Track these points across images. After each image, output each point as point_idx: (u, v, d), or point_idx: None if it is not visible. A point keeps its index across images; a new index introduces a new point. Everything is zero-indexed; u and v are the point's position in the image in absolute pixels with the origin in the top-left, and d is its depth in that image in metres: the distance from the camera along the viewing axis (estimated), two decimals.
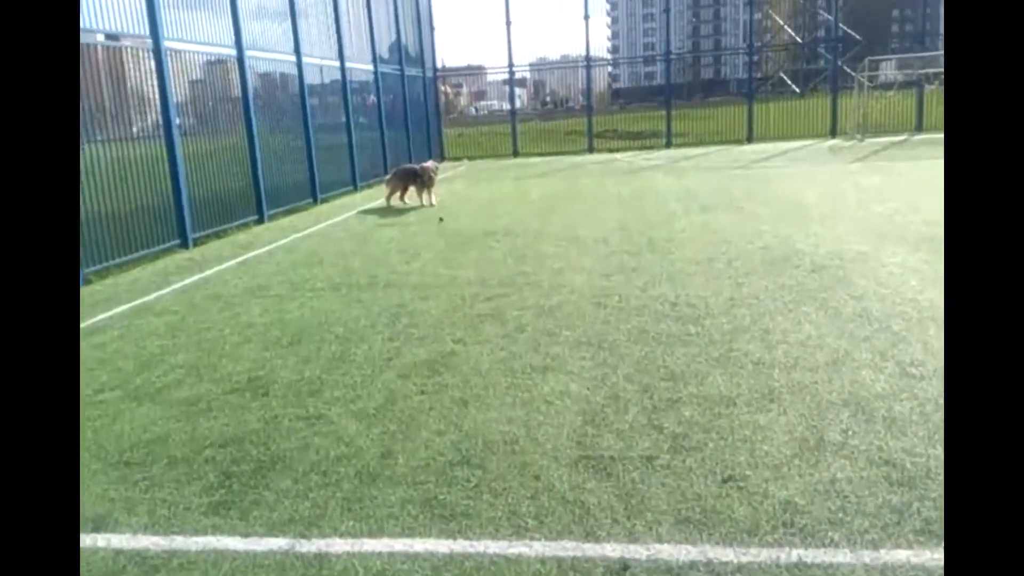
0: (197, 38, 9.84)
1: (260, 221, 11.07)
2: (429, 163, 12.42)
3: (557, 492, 2.88)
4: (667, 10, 21.16)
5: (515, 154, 22.40)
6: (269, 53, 11.88)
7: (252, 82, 11.08)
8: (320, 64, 13.87)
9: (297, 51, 12.70)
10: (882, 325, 4.63)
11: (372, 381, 4.23)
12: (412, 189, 11.89)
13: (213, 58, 10.52)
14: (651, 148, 22.02)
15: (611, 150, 22.26)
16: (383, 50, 17.52)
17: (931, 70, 19.77)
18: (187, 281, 7.26)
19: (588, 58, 21.89)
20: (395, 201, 11.91)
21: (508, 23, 21.53)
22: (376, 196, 13.91)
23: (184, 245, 9.17)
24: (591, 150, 22.06)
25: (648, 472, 2.98)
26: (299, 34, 12.70)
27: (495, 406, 3.77)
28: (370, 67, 16.54)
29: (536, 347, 4.65)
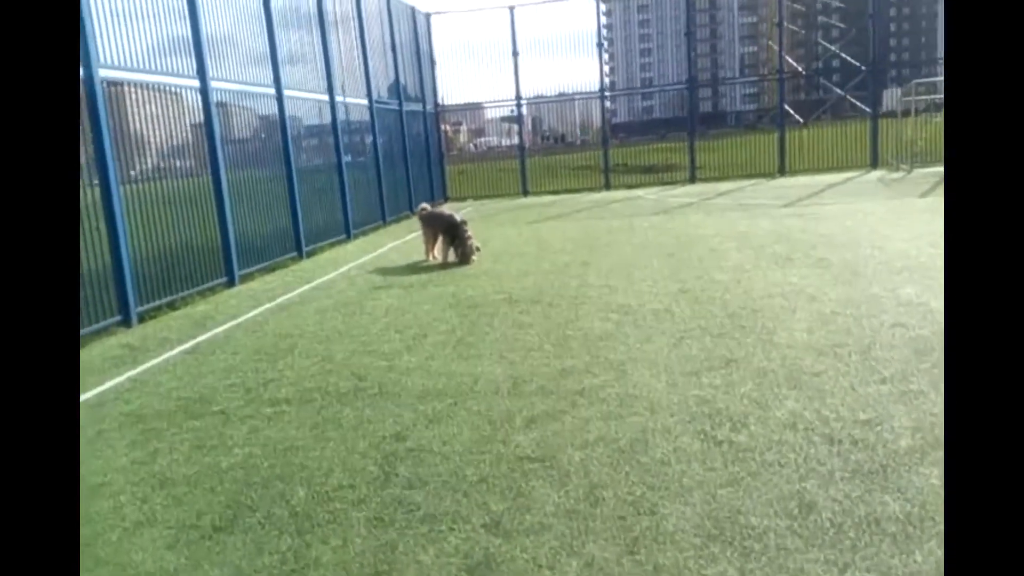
0: (144, 66, 8.01)
1: (231, 283, 9.16)
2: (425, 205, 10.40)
3: None
4: (689, 32, 19.50)
5: (524, 193, 20.60)
6: (241, 85, 10.09)
7: (219, 116, 9.25)
8: (305, 97, 12.09)
9: (277, 81, 10.92)
10: None
11: None
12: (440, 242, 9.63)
13: (171, 88, 8.71)
14: (673, 183, 20.19)
15: (629, 186, 20.45)
16: (381, 85, 15.79)
17: None
18: (105, 386, 5.30)
19: (602, 87, 20.19)
20: (436, 255, 9.69)
21: (515, 53, 19.87)
22: (373, 246, 12.02)
23: (126, 322, 7.24)
24: (608, 186, 20.25)
25: None
26: (279, 62, 10.93)
27: None
28: (364, 101, 14.79)
29: (631, 547, 2.68)
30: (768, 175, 19.61)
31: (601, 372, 4.65)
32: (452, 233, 9.46)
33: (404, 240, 12.54)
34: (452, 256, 9.47)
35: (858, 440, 3.39)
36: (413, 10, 18.49)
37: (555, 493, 3.13)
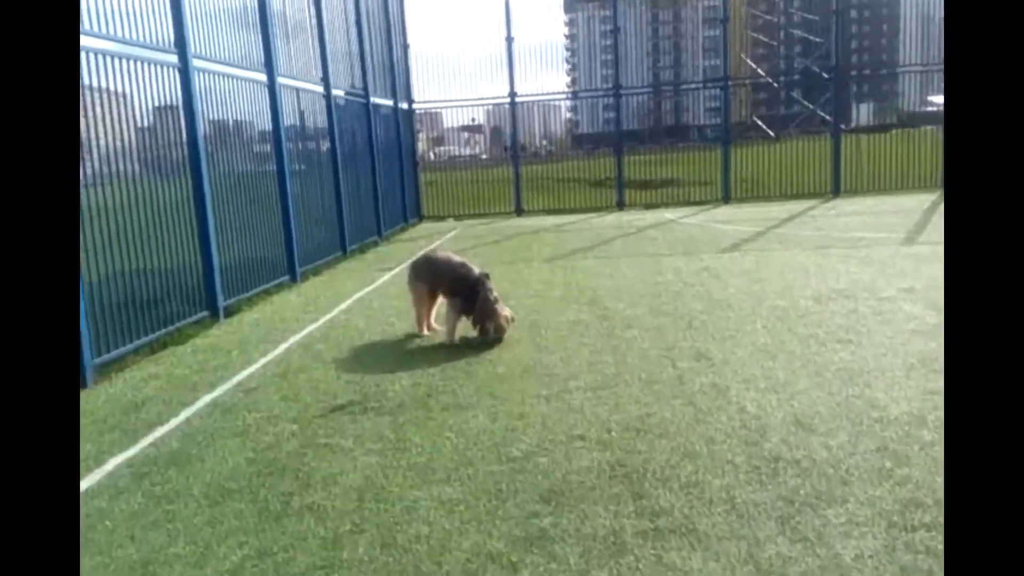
0: None
1: (83, 382, 5.19)
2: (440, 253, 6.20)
3: None
4: (725, 19, 15.96)
5: (518, 211, 16.86)
6: (120, 45, 6.15)
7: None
8: (232, 74, 8.16)
9: (181, 45, 7.00)
10: None
11: None
12: (440, 303, 6.03)
13: None
14: (702, 203, 16.60)
15: (647, 205, 16.86)
16: (341, 71, 11.90)
17: None
18: None
19: (617, 86, 16.57)
20: (434, 326, 6.05)
21: (509, 39, 16.18)
22: (329, 297, 8.09)
23: None
24: (621, 205, 16.63)
25: None
26: (183, 16, 7.01)
27: None
28: (319, 88, 10.89)
29: None
30: (818, 195, 16.19)
31: None
32: (466, 295, 5.62)
33: (375, 286, 8.67)
34: (458, 329, 5.66)
35: None
36: None
37: None
